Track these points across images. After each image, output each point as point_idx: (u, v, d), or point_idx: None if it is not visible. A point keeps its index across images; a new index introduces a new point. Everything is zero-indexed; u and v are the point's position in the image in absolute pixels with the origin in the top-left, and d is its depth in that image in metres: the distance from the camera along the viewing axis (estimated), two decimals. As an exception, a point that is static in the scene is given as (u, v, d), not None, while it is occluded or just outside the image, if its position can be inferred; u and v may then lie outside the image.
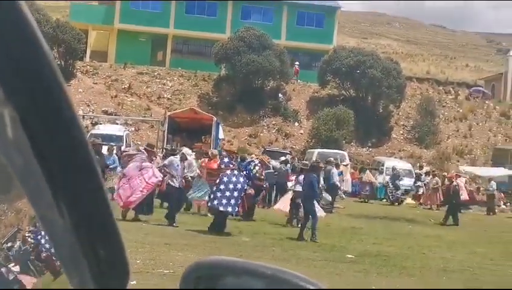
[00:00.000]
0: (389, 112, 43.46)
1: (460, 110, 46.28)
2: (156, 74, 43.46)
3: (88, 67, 42.93)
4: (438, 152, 41.26)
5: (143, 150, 15.64)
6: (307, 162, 17.97)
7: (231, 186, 13.96)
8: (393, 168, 29.86)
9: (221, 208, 13.88)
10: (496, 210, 28.14)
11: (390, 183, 28.69)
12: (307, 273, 0.94)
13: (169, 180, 14.96)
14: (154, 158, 16.10)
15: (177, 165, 15.21)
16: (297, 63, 45.20)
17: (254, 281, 0.96)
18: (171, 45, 47.22)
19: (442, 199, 25.95)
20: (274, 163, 22.46)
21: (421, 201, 28.40)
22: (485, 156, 41.70)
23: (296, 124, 41.69)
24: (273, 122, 41.31)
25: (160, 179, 14.77)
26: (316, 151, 30.85)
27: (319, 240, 14.03)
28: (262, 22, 45.32)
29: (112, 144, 22.04)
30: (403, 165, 32.53)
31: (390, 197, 28.41)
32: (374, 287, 9.59)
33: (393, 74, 41.48)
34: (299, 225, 15.25)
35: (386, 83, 40.56)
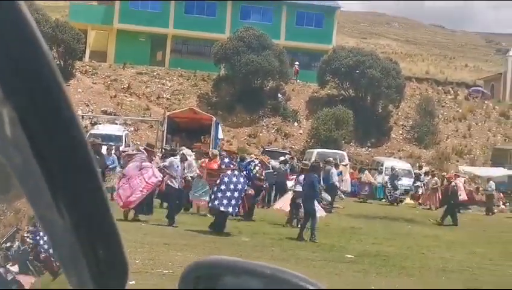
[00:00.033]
0: (388, 112, 43.45)
1: (460, 110, 46.26)
2: (155, 73, 43.44)
3: (87, 67, 42.90)
4: (437, 152, 41.24)
5: (143, 150, 15.64)
6: (307, 162, 17.97)
7: (232, 186, 13.97)
8: (393, 168, 29.88)
9: (222, 208, 13.90)
10: (495, 210, 28.15)
11: (389, 184, 28.69)
12: (306, 273, 0.94)
13: (168, 181, 14.96)
14: (153, 158, 16.09)
15: (177, 166, 15.21)
16: (297, 63, 45.17)
17: (253, 280, 0.96)
18: (171, 44, 47.19)
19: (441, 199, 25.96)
20: (273, 163, 22.49)
21: (420, 201, 28.40)
22: (484, 156, 41.70)
23: (296, 124, 41.66)
24: (273, 122, 41.29)
25: (160, 179, 14.76)
26: (315, 151, 30.84)
27: (318, 240, 14.03)
28: (261, 22, 45.30)
29: (111, 144, 22.08)
30: (402, 165, 32.55)
31: (389, 197, 28.42)
32: (373, 287, 9.59)
33: (393, 74, 41.47)
34: (299, 225, 15.26)
35: (385, 83, 40.54)
